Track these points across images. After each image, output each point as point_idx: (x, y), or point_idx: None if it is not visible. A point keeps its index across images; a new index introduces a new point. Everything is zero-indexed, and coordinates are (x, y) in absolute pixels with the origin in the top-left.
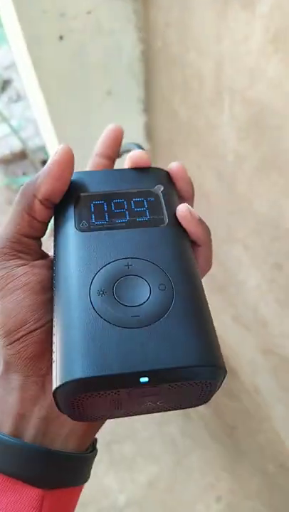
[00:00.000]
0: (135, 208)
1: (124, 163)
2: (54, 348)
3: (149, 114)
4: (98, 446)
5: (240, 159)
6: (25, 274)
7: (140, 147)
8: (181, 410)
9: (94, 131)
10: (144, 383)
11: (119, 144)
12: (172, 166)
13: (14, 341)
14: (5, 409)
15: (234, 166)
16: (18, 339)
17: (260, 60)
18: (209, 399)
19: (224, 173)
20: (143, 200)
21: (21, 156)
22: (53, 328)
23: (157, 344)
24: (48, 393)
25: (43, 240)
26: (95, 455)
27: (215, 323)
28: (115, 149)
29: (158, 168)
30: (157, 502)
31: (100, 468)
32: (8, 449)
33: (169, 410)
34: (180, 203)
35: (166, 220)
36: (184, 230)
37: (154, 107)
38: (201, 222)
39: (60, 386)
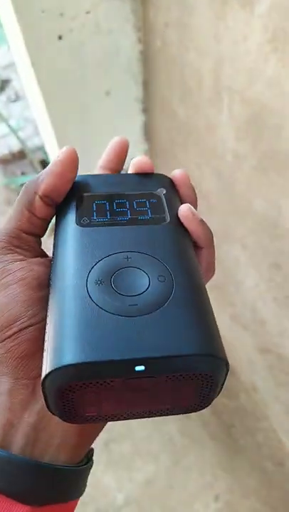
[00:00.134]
0: (137, 207)
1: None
2: (46, 337)
3: (148, 114)
4: (96, 445)
5: (239, 159)
6: (21, 269)
7: None
8: None
9: (93, 131)
10: (140, 372)
11: (124, 157)
12: (175, 173)
13: (5, 339)
14: None
15: (233, 165)
16: (10, 336)
17: (258, 60)
18: (210, 400)
19: (223, 173)
20: (145, 201)
21: (20, 156)
22: (47, 319)
23: (155, 332)
24: (38, 398)
25: (43, 239)
26: (90, 467)
27: None
28: (120, 162)
29: (161, 174)
30: (156, 501)
31: (98, 467)
32: None
33: (167, 414)
34: None
35: (168, 219)
36: (186, 230)
37: (153, 106)
38: (203, 222)
39: (49, 373)
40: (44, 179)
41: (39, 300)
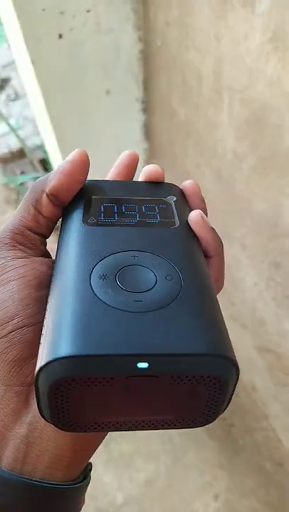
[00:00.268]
0: (146, 211)
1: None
2: (43, 331)
3: (147, 114)
4: None
5: (239, 158)
6: (23, 266)
7: None
8: None
9: (93, 130)
10: (143, 370)
11: (134, 171)
12: (186, 183)
13: None
14: None
15: (233, 165)
16: (5, 335)
17: (259, 59)
18: (217, 411)
19: (223, 173)
20: (154, 206)
21: (20, 155)
22: (45, 313)
23: (161, 329)
24: (31, 407)
25: (47, 241)
26: (87, 484)
27: None
28: (129, 176)
29: (171, 184)
30: (155, 500)
31: (98, 466)
32: None
33: (169, 427)
34: None
35: (177, 224)
36: (195, 236)
37: (153, 106)
38: (213, 230)
39: (44, 366)
40: (53, 178)
41: (38, 300)
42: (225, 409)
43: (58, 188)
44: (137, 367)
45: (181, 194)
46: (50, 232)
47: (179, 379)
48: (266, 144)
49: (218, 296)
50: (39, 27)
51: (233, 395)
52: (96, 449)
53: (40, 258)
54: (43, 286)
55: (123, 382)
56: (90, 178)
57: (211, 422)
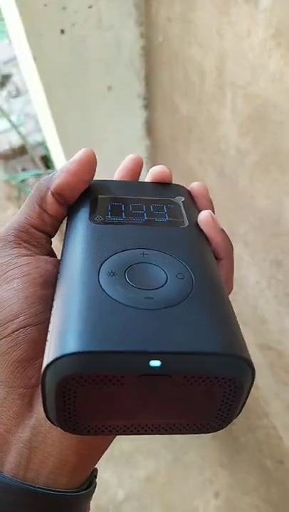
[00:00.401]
0: (154, 211)
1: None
2: (50, 327)
3: (149, 110)
4: None
5: (242, 154)
6: (27, 264)
7: None
8: None
9: (94, 127)
10: (155, 368)
11: (138, 176)
12: (193, 185)
13: (2, 338)
14: None
15: (235, 161)
16: (9, 334)
17: (262, 56)
18: (231, 415)
19: (225, 169)
20: (163, 206)
21: (21, 151)
22: (52, 310)
23: (174, 327)
24: (34, 410)
25: (52, 241)
26: (92, 492)
27: None
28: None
29: (179, 185)
30: (156, 497)
31: (99, 463)
32: None
33: (180, 431)
34: None
35: (186, 224)
36: (205, 237)
37: (155, 102)
38: (223, 231)
39: (51, 363)
40: (58, 176)
41: (43, 299)
42: (238, 414)
43: (63, 186)
44: (149, 365)
45: (189, 195)
46: (56, 231)
47: (192, 379)
48: (269, 140)
49: None
50: (41, 22)
51: None
52: (102, 454)
53: (46, 257)
54: (48, 285)
55: (134, 382)
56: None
57: (223, 428)
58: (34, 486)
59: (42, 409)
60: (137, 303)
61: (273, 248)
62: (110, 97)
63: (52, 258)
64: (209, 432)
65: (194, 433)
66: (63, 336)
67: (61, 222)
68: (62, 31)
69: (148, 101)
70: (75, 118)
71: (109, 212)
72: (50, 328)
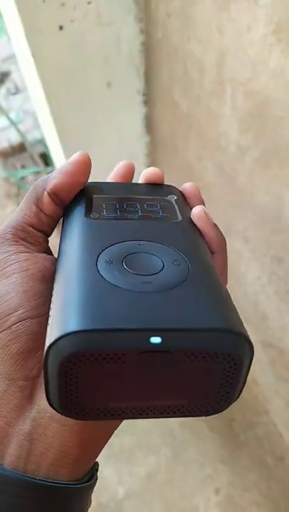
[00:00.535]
0: (148, 208)
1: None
2: (50, 313)
3: (149, 106)
4: None
5: (242, 151)
6: (26, 260)
7: None
8: None
9: (94, 124)
10: (156, 345)
11: (130, 181)
12: (185, 185)
13: (2, 331)
14: None
15: (235, 157)
16: (9, 327)
17: (262, 51)
18: (232, 395)
19: (225, 165)
20: (156, 203)
21: (20, 149)
22: (51, 299)
23: (173, 305)
24: (35, 403)
25: (49, 239)
26: (94, 485)
27: None
28: None
29: (171, 186)
30: (156, 494)
31: (99, 460)
32: None
33: (183, 413)
34: None
35: (180, 219)
36: (198, 231)
37: (155, 98)
38: (216, 226)
39: (52, 344)
40: (54, 177)
41: (42, 292)
42: (238, 395)
43: (59, 186)
44: (149, 342)
45: (181, 195)
46: (52, 230)
47: (192, 356)
48: (269, 136)
49: None
50: (39, 19)
51: None
52: (103, 446)
53: (43, 254)
54: (46, 280)
55: (135, 359)
56: (91, 170)
57: (223, 409)
58: (35, 478)
59: (42, 401)
60: (135, 287)
61: (274, 244)
62: (110, 94)
63: (50, 256)
64: (210, 414)
65: (196, 415)
66: (64, 317)
67: (57, 221)
68: (61, 27)
69: (147, 97)
70: (74, 115)
71: (105, 210)
72: (50, 314)
